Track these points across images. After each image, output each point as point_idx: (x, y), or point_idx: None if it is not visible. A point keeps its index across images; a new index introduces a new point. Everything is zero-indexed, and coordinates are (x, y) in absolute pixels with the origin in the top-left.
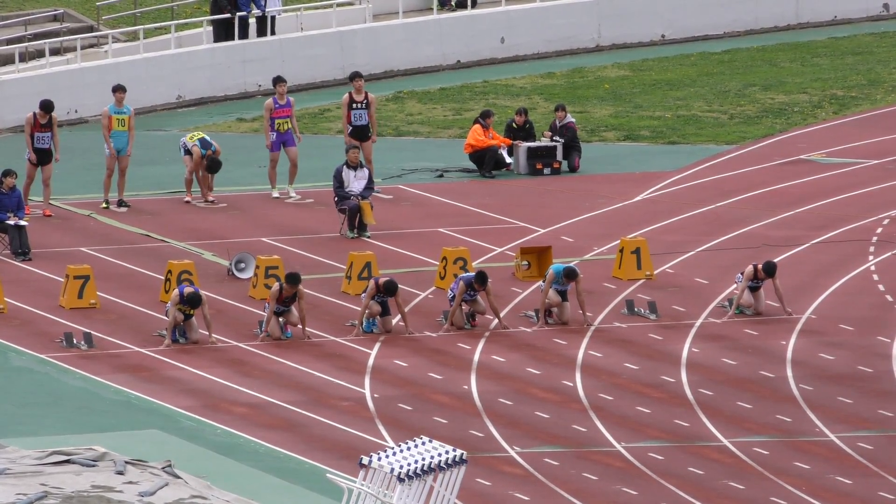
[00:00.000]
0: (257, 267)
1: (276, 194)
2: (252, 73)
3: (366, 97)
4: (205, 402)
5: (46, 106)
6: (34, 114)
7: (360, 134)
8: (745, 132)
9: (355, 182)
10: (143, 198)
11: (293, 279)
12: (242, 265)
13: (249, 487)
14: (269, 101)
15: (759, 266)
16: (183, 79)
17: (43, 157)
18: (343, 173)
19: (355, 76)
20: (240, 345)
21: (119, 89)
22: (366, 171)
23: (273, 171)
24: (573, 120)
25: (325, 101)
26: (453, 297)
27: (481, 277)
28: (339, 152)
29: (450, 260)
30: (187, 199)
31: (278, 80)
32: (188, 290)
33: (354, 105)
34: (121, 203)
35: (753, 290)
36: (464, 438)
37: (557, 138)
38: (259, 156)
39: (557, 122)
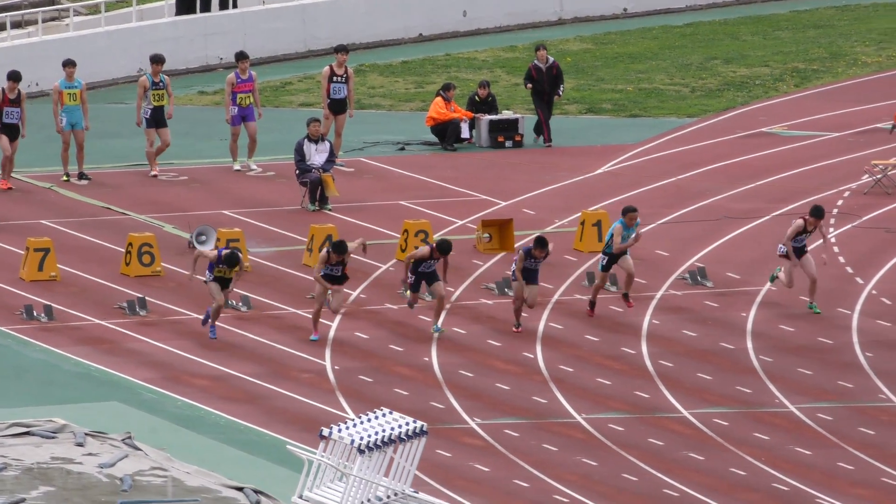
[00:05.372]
0: (218, 240)
1: (237, 167)
2: (214, 46)
3: (346, 71)
4: (165, 375)
5: (14, 76)
6: (2, 88)
7: (338, 107)
8: (707, 105)
9: (316, 155)
10: (104, 171)
11: (339, 248)
12: (203, 238)
13: (210, 459)
14: (231, 75)
15: (806, 216)
16: (145, 52)
17: (11, 132)
18: (304, 146)
19: (340, 49)
20: (201, 317)
21: (69, 64)
22: (327, 144)
23: (234, 144)
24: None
25: (287, 75)
26: (514, 272)
27: (541, 241)
28: (300, 125)
29: (411, 232)
30: (153, 172)
31: (241, 56)
32: (225, 251)
33: (335, 78)
34: (81, 176)
35: (800, 253)
36: (424, 410)
37: (530, 85)
38: (220, 129)
39: (542, 64)
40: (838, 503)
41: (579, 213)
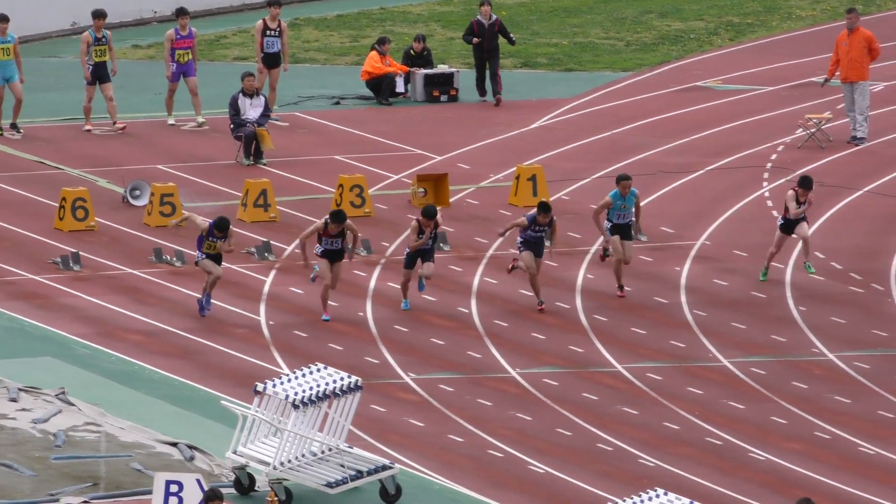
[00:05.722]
0: (152, 194)
1: (171, 121)
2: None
3: (279, 25)
4: (99, 330)
5: None
6: None
7: (272, 61)
8: (642, 59)
9: (251, 110)
10: (38, 125)
11: (339, 217)
12: (137, 192)
13: (144, 415)
14: (171, 31)
15: (796, 187)
16: (78, 5)
17: None
18: (239, 101)
19: (273, 2)
20: (134, 272)
21: (2, 19)
22: (262, 98)
23: (170, 99)
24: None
25: (222, 28)
26: (522, 241)
27: (544, 206)
28: (235, 80)
29: (346, 187)
30: (87, 127)
31: (181, 13)
32: (217, 221)
33: (268, 32)
34: (13, 126)
35: (796, 223)
36: (359, 365)
37: (476, 39)
38: (155, 83)
39: (484, 20)
40: (771, 457)
41: (514, 168)
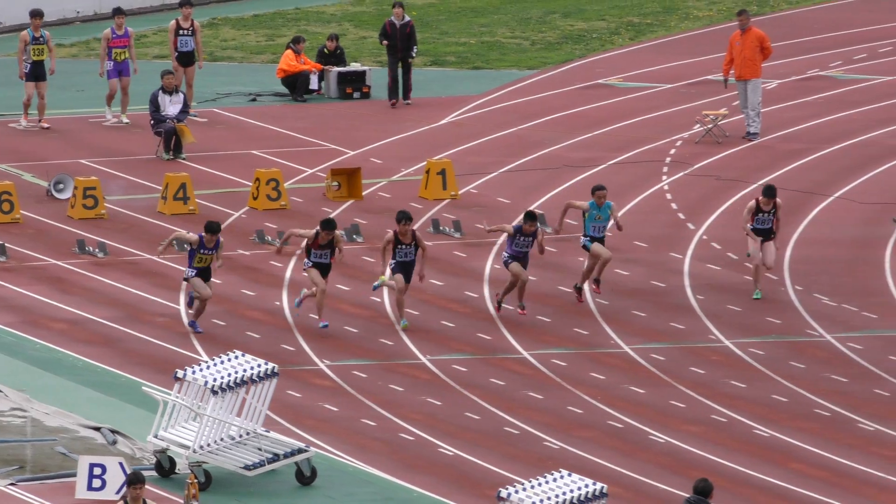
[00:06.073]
0: (75, 188)
1: (112, 120)
2: (71, 0)
3: (192, 24)
4: (24, 318)
5: None
6: None
7: (186, 59)
8: (546, 58)
9: (171, 106)
10: None
11: (329, 225)
12: (61, 186)
13: (68, 400)
14: (108, 30)
15: (760, 197)
16: (2, 4)
17: None
18: (159, 98)
19: (185, 3)
20: (59, 263)
21: None
22: (181, 95)
23: (111, 97)
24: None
25: (142, 28)
26: (509, 255)
27: (530, 215)
28: (155, 77)
29: (263, 181)
30: (24, 122)
31: (118, 12)
32: (205, 230)
33: (181, 32)
34: None
35: (763, 234)
36: (275, 352)
37: (385, 41)
38: (77, 80)
39: (397, 21)
40: (670, 439)
41: (424, 162)
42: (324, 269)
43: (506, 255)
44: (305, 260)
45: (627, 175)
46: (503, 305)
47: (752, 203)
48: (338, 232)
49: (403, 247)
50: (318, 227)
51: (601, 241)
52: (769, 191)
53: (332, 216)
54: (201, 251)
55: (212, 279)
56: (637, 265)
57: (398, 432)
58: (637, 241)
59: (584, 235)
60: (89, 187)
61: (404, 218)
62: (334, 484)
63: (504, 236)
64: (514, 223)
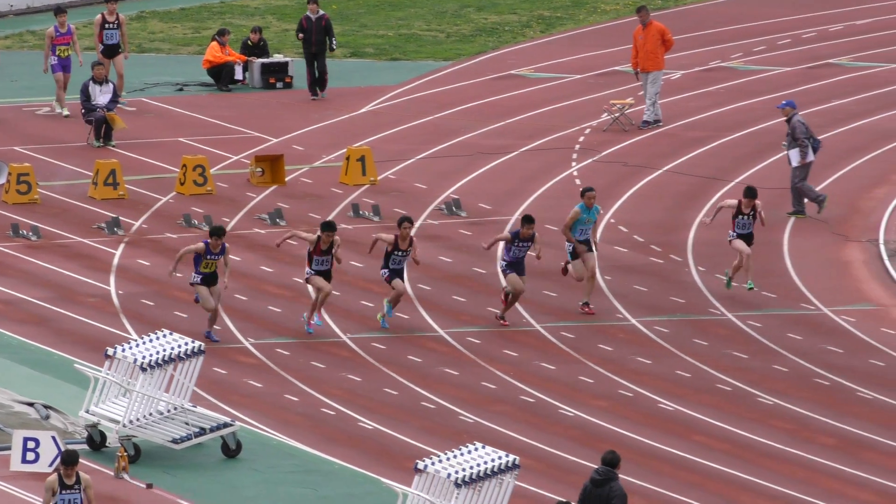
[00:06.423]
0: (9, 174)
1: (66, 112)
2: None
3: (117, 18)
4: None
5: None
6: None
7: (111, 51)
8: (461, 49)
9: (101, 96)
10: None
11: (329, 226)
12: None
13: (3, 377)
14: (51, 29)
15: (742, 198)
16: None
17: None
18: (90, 88)
19: None
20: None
21: None
22: (111, 85)
23: (61, 91)
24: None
25: (74, 21)
26: (507, 263)
27: (527, 218)
28: (85, 68)
29: (189, 167)
30: None
31: (59, 11)
32: (211, 235)
33: (107, 25)
34: None
35: (745, 238)
36: (202, 331)
37: (301, 35)
38: (10, 71)
39: (312, 16)
40: (580, 413)
41: (345, 149)
42: (326, 276)
43: (503, 262)
44: (307, 269)
45: (538, 162)
46: (503, 316)
47: (733, 202)
48: (336, 237)
49: (399, 253)
50: (318, 230)
51: (588, 244)
52: (750, 192)
53: (330, 218)
54: (207, 256)
55: (219, 283)
56: (549, 248)
57: (320, 407)
58: (548, 224)
59: (568, 241)
60: (23, 173)
61: (406, 220)
62: (258, 457)
63: (502, 244)
64: (509, 228)
